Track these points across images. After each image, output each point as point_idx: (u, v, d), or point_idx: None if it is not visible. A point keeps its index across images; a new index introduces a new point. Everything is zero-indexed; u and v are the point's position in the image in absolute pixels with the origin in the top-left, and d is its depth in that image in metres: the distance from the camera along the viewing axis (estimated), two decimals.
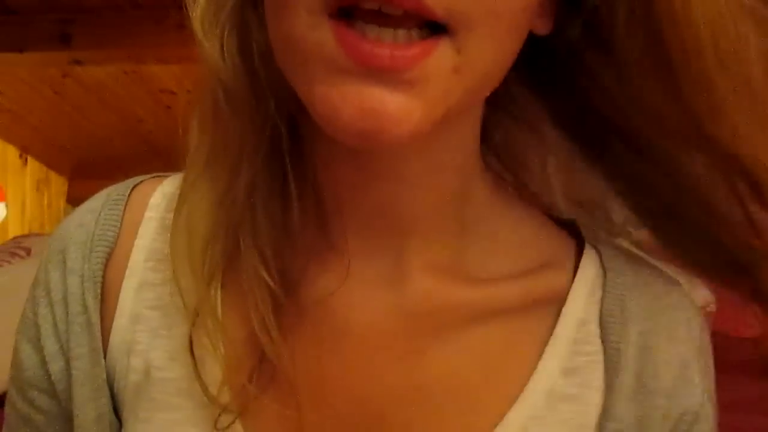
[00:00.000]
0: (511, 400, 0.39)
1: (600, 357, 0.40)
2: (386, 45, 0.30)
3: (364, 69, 0.30)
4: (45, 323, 0.44)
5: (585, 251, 0.43)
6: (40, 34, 2.40)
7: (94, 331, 0.43)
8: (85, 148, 3.60)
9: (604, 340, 0.40)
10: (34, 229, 3.54)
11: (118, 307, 0.43)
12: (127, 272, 0.44)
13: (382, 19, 0.30)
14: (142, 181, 0.47)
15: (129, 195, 0.46)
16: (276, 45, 0.34)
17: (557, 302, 0.41)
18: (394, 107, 0.30)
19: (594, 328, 0.40)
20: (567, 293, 0.41)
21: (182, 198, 0.41)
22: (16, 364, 0.45)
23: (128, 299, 0.43)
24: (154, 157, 3.11)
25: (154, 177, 0.48)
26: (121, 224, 0.45)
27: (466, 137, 0.40)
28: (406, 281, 0.41)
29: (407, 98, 0.30)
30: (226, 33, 0.38)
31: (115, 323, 0.43)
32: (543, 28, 0.37)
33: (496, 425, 0.39)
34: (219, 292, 0.41)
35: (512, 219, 0.44)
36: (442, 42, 0.30)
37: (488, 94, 0.36)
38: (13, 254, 1.67)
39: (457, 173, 0.41)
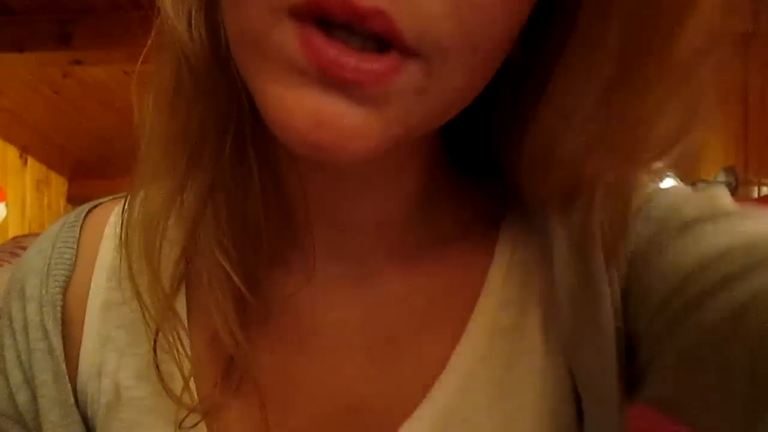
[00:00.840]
0: (454, 343, 0.39)
1: (535, 279, 0.40)
2: (353, 53, 0.27)
3: (325, 77, 0.28)
4: (8, 354, 0.43)
5: (510, 205, 0.42)
6: (40, 34, 2.40)
7: (56, 355, 0.41)
8: (85, 148, 3.60)
9: (541, 247, 0.40)
10: (34, 229, 3.55)
11: (84, 330, 0.42)
12: (90, 293, 0.42)
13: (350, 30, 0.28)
14: (100, 203, 0.46)
15: (85, 217, 0.45)
16: (231, 35, 0.32)
17: (493, 230, 0.41)
18: (351, 122, 0.28)
19: (529, 257, 0.40)
20: (497, 235, 0.41)
21: (135, 189, 0.39)
22: None
23: (94, 321, 0.42)
24: None
25: (112, 198, 0.47)
26: (78, 246, 0.44)
27: (431, 138, 0.39)
28: (368, 273, 0.41)
29: (366, 115, 0.28)
30: (194, 10, 0.35)
31: (83, 347, 0.42)
32: (516, 52, 0.34)
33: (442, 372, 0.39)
34: (183, 296, 0.40)
35: (459, 185, 0.43)
36: (410, 64, 0.28)
37: (454, 115, 0.33)
38: (13, 254, 1.67)
39: (422, 168, 0.40)
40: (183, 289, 0.40)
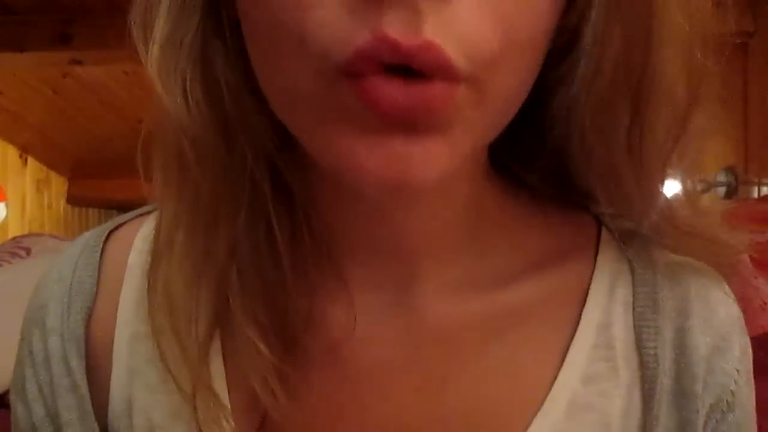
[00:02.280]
0: (533, 413, 0.37)
1: (623, 364, 0.38)
2: (403, 89, 0.27)
3: (386, 119, 0.28)
4: (30, 386, 0.41)
5: (602, 242, 0.41)
6: (40, 34, 2.40)
7: (81, 394, 0.40)
8: (85, 148, 3.60)
9: (639, 346, 0.38)
10: (34, 229, 3.54)
11: (114, 363, 0.40)
12: (118, 324, 0.40)
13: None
14: (121, 225, 0.44)
15: (105, 239, 0.43)
16: (276, 98, 0.31)
17: (576, 302, 0.39)
18: (421, 153, 0.28)
19: (617, 332, 0.38)
20: (587, 292, 0.39)
21: (155, 265, 0.38)
22: (13, 420, 0.42)
23: (123, 354, 0.40)
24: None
25: (134, 218, 0.44)
26: (99, 274, 0.41)
27: (478, 157, 0.38)
28: (416, 308, 0.38)
29: (433, 141, 0.28)
30: (188, 77, 0.34)
31: (113, 382, 0.40)
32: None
33: None
34: (218, 361, 0.38)
35: (525, 214, 0.41)
36: (461, 86, 0.28)
37: (511, 118, 0.33)
38: (13, 254, 1.67)
39: (469, 191, 0.38)
40: (218, 342, 0.38)
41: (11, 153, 3.49)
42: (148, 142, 0.36)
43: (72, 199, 3.98)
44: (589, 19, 0.32)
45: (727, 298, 0.40)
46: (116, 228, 0.44)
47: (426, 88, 0.27)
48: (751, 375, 0.40)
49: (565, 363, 0.38)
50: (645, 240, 0.40)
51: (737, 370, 0.39)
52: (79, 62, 2.50)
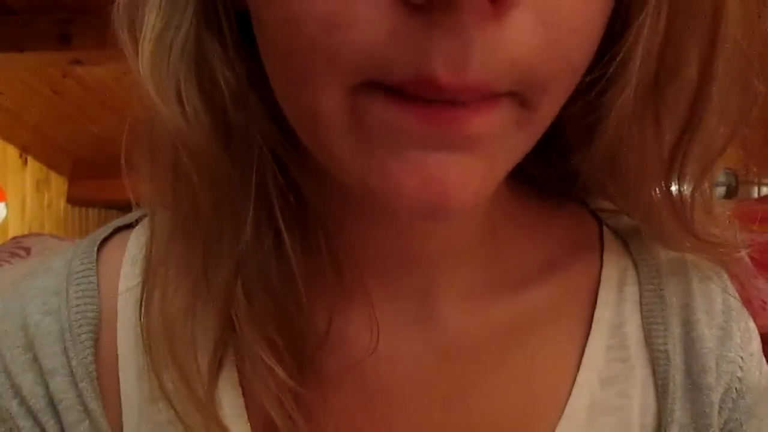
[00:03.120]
0: (555, 419, 0.37)
1: (637, 362, 0.38)
2: (448, 110, 0.25)
3: (423, 127, 0.25)
4: None
5: (606, 241, 0.41)
6: (40, 34, 2.40)
7: None
8: (85, 148, 3.60)
9: (649, 344, 0.38)
10: (34, 229, 3.54)
11: (123, 402, 0.36)
12: (121, 360, 0.37)
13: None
14: (104, 241, 0.39)
15: (97, 263, 0.38)
16: (296, 114, 0.29)
17: (587, 302, 0.39)
18: (457, 171, 0.26)
19: (629, 331, 0.38)
20: (596, 292, 0.39)
21: (149, 288, 0.34)
22: None
23: (132, 392, 0.36)
24: None
25: (115, 232, 0.40)
26: (99, 300, 0.37)
27: None
28: (437, 319, 0.37)
29: (470, 158, 0.26)
30: (183, 80, 0.30)
31: (125, 422, 0.36)
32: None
33: None
34: (234, 391, 0.36)
35: (533, 214, 0.41)
36: (505, 96, 0.26)
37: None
38: (13, 254, 1.66)
39: (489, 206, 0.37)
40: (232, 365, 0.35)
41: (11, 153, 3.48)
42: (133, 141, 0.33)
43: (72, 199, 3.97)
44: (641, 31, 0.30)
45: (724, 288, 0.40)
46: (101, 247, 0.39)
47: (468, 111, 0.25)
48: (760, 355, 0.41)
49: (582, 366, 0.38)
50: (645, 236, 0.40)
51: (741, 357, 0.39)
52: (79, 62, 2.50)
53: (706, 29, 0.30)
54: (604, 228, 0.41)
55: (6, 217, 3.34)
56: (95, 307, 0.37)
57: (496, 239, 0.38)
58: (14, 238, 1.90)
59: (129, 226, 0.40)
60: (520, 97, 0.26)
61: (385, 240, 0.36)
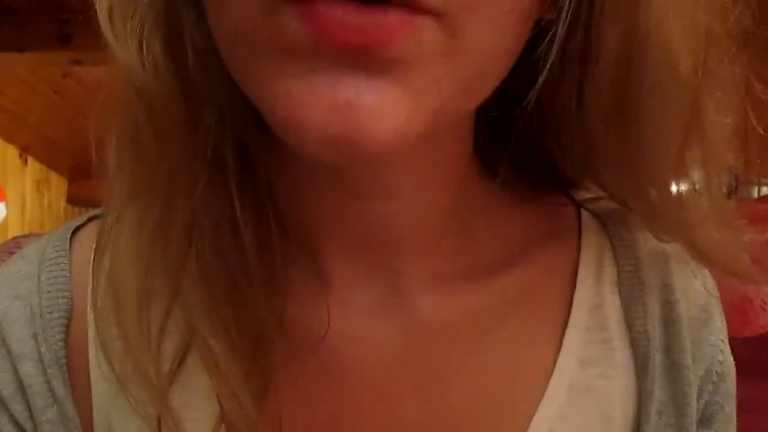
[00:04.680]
0: (536, 401, 0.36)
1: (616, 344, 0.38)
2: (353, 12, 0.23)
3: (335, 48, 0.23)
4: (1, 425, 0.35)
5: (583, 224, 0.40)
6: (40, 34, 2.40)
7: (73, 425, 0.35)
8: (85, 148, 3.59)
9: (629, 325, 0.38)
10: (34, 229, 3.54)
11: (93, 387, 0.36)
12: (90, 347, 0.36)
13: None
14: (77, 228, 0.39)
15: (70, 250, 0.37)
16: (222, 40, 0.27)
17: (566, 285, 0.39)
18: (373, 99, 0.23)
19: (609, 312, 0.38)
20: (575, 274, 0.39)
21: (101, 243, 0.33)
22: None
23: (100, 379, 0.36)
24: None
25: (89, 220, 0.39)
26: (71, 287, 0.37)
27: (464, 135, 0.35)
28: (408, 302, 0.36)
29: (389, 86, 0.24)
30: (147, 27, 0.29)
31: (94, 408, 0.36)
32: (549, 12, 0.29)
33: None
34: (199, 374, 0.34)
35: (508, 203, 0.40)
36: (427, 18, 0.24)
37: (488, 94, 0.29)
38: (13, 254, 1.66)
39: (456, 177, 0.36)
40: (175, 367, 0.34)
41: (11, 153, 3.48)
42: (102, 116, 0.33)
43: (72, 199, 3.97)
44: None
45: (702, 271, 0.41)
46: (74, 233, 0.39)
47: (384, 14, 0.23)
48: (725, 339, 0.41)
49: (562, 348, 0.37)
50: (623, 219, 0.40)
51: (721, 340, 0.40)
52: (79, 62, 2.50)
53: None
54: (582, 211, 0.41)
55: (6, 217, 3.34)
56: (67, 293, 0.36)
57: (466, 226, 0.37)
58: (14, 238, 1.90)
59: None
60: (444, 19, 0.24)
61: (345, 216, 0.34)
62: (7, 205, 3.35)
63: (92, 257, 0.37)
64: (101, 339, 0.33)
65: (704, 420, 0.39)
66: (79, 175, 3.90)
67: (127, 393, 0.33)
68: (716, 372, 0.39)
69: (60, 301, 0.36)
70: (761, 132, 0.36)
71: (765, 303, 1.20)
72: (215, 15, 0.27)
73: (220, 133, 0.31)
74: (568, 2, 0.28)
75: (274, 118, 0.25)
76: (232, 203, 0.32)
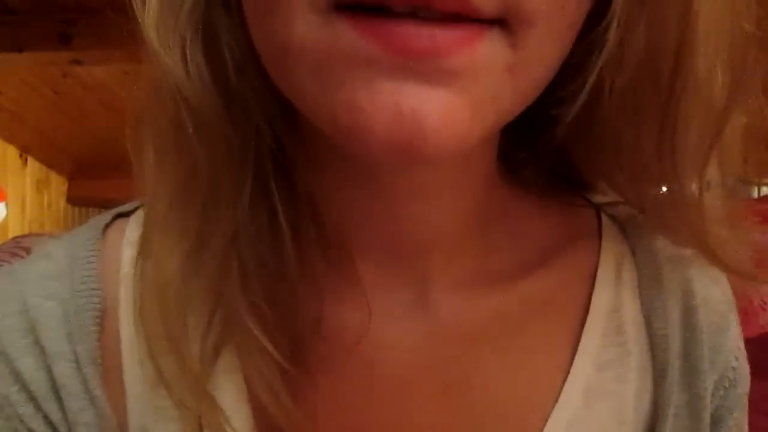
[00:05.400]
0: (552, 403, 0.37)
1: (633, 347, 0.38)
2: (424, 25, 0.23)
3: (396, 58, 0.23)
4: (35, 425, 0.35)
5: (604, 228, 0.41)
6: (40, 34, 2.40)
7: (108, 427, 0.35)
8: (85, 148, 3.60)
9: (648, 329, 0.38)
10: (34, 229, 3.55)
11: (127, 389, 0.36)
12: (124, 346, 0.36)
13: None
14: (106, 226, 0.39)
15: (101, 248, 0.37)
16: (270, 54, 0.27)
17: (585, 288, 0.39)
18: (436, 108, 0.24)
19: (627, 315, 0.38)
20: (594, 278, 0.39)
21: (144, 249, 0.34)
22: None
23: (135, 378, 0.36)
24: None
25: (116, 217, 0.39)
26: (103, 286, 0.37)
27: (495, 139, 0.35)
28: (434, 306, 0.37)
29: (452, 96, 0.24)
30: (188, 40, 0.30)
31: (129, 409, 0.36)
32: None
33: None
34: (236, 374, 0.35)
35: (529, 206, 0.40)
36: (494, 32, 0.24)
37: (536, 96, 0.29)
38: (13, 254, 1.66)
39: (483, 180, 0.36)
40: (234, 347, 0.34)
41: (11, 153, 3.49)
42: (137, 129, 0.33)
43: (72, 199, 3.97)
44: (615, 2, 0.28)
45: (722, 278, 0.41)
46: (104, 230, 0.39)
47: (448, 29, 0.23)
48: (743, 348, 0.42)
49: (578, 350, 0.38)
50: (642, 225, 0.40)
51: (737, 347, 0.40)
52: (79, 62, 2.50)
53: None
54: (602, 215, 0.41)
55: (6, 217, 3.34)
56: (100, 292, 0.36)
57: (488, 229, 0.38)
58: (14, 238, 1.90)
59: (129, 214, 0.40)
60: (507, 30, 0.24)
61: (378, 221, 0.35)
62: (7, 205, 3.35)
63: (122, 255, 0.37)
64: (147, 340, 0.33)
65: (712, 424, 0.40)
66: (79, 175, 3.90)
67: (171, 393, 0.33)
68: (728, 378, 0.39)
69: (94, 300, 0.36)
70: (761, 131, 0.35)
71: (765, 303, 1.20)
72: (262, 30, 0.27)
73: (260, 139, 0.31)
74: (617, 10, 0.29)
75: (335, 127, 0.25)
76: (274, 208, 0.33)
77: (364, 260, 0.36)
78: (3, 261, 1.63)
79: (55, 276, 0.37)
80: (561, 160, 0.39)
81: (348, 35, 0.24)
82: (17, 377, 0.35)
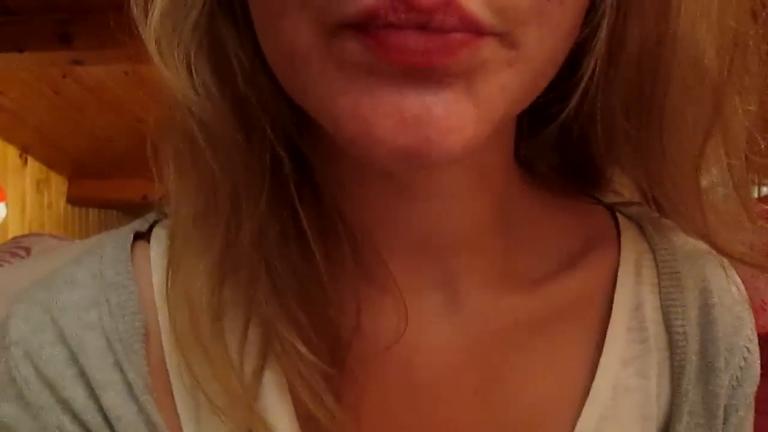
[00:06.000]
0: (581, 401, 0.37)
1: (654, 344, 0.38)
2: (422, 34, 0.23)
3: (398, 66, 0.23)
4: None
5: (621, 227, 0.41)
6: (40, 34, 2.40)
7: None
8: (85, 148, 3.60)
9: (667, 325, 0.39)
10: (34, 229, 3.54)
11: (180, 413, 0.35)
12: (171, 372, 0.35)
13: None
14: (132, 245, 0.38)
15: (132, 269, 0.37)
16: (278, 60, 0.28)
17: (607, 286, 0.39)
18: (441, 111, 0.24)
19: (647, 313, 0.39)
20: (615, 276, 0.39)
21: (173, 268, 0.34)
22: None
23: (186, 400, 0.35)
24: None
25: (136, 237, 0.38)
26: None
27: (510, 134, 0.35)
28: (463, 306, 0.37)
29: (457, 97, 0.24)
30: (193, 53, 0.30)
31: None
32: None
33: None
34: (280, 383, 0.34)
35: (548, 205, 0.40)
36: (489, 37, 0.24)
37: (540, 92, 0.29)
38: (13, 254, 1.66)
39: (502, 174, 0.36)
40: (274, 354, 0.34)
41: (11, 153, 3.48)
42: (157, 138, 0.33)
43: (72, 199, 3.97)
44: None
45: (735, 276, 0.41)
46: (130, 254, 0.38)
47: (442, 38, 0.23)
48: (757, 349, 0.42)
49: (604, 347, 0.38)
50: (659, 223, 0.41)
51: (746, 348, 0.40)
52: (79, 62, 2.50)
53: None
54: (618, 215, 0.42)
55: (6, 217, 3.34)
56: (141, 316, 0.35)
57: (511, 227, 0.38)
58: (14, 238, 1.90)
59: (147, 232, 0.39)
60: (505, 38, 0.25)
61: (400, 220, 0.35)
62: (7, 205, 3.35)
63: (153, 279, 0.37)
64: (188, 364, 0.33)
65: None
66: (79, 175, 3.90)
67: (217, 412, 0.32)
68: (737, 377, 0.40)
69: (136, 324, 0.35)
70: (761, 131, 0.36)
71: (765, 303, 1.20)
72: (269, 37, 0.27)
73: (276, 146, 0.32)
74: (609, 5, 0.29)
75: (339, 134, 0.25)
76: (295, 212, 0.33)
77: (392, 260, 0.35)
78: (3, 261, 1.62)
79: (91, 305, 0.36)
80: (571, 154, 0.40)
81: (351, 46, 0.24)
82: (67, 407, 0.34)
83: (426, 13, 0.23)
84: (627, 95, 0.32)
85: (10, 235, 2.90)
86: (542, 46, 0.26)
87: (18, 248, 1.73)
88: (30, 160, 3.62)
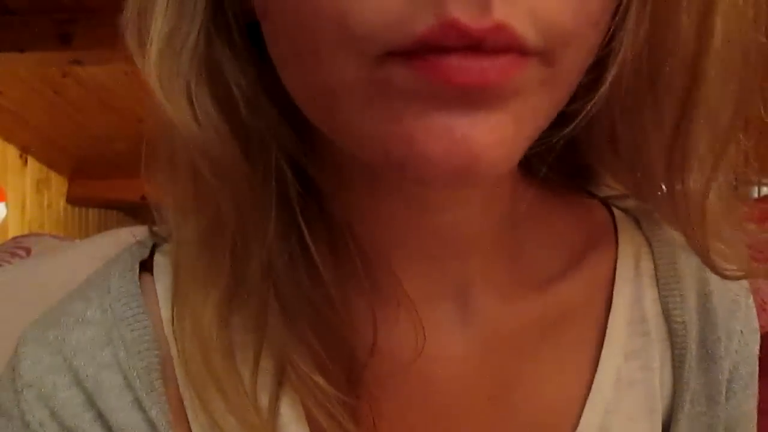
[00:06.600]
0: (584, 395, 0.38)
1: (655, 336, 0.39)
2: (470, 57, 0.24)
3: (450, 92, 0.24)
4: None
5: (618, 221, 0.41)
6: (40, 34, 2.40)
7: None
8: (85, 148, 3.60)
9: (667, 316, 0.39)
10: (34, 229, 3.55)
11: None
12: (186, 401, 0.35)
13: None
14: (136, 264, 0.38)
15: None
16: (310, 97, 0.28)
17: (607, 281, 0.40)
18: (484, 131, 0.25)
19: (647, 305, 0.39)
20: (614, 270, 0.40)
21: (180, 306, 0.33)
22: None
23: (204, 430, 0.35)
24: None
25: (141, 266, 0.38)
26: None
27: None
28: (476, 314, 0.37)
29: (498, 118, 0.25)
30: (193, 84, 0.30)
31: None
32: None
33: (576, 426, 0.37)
34: (295, 406, 0.34)
35: (549, 204, 0.41)
36: (533, 56, 0.25)
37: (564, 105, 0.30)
38: (13, 254, 1.66)
39: (512, 182, 0.37)
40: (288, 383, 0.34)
41: (11, 153, 3.48)
42: (150, 147, 0.32)
43: (72, 199, 3.97)
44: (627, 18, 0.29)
45: None
46: (141, 268, 0.38)
47: (495, 60, 0.24)
48: (756, 328, 0.42)
49: (605, 342, 0.38)
50: (653, 216, 0.41)
51: (741, 331, 0.40)
52: (79, 62, 2.50)
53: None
54: (614, 210, 0.42)
55: (6, 217, 3.34)
56: (156, 351, 0.35)
57: (518, 230, 0.38)
58: (14, 238, 1.90)
59: (149, 259, 0.38)
60: (544, 57, 0.25)
61: (412, 234, 0.35)
62: (7, 205, 3.35)
63: (162, 311, 0.36)
64: (202, 401, 0.33)
65: None
66: (79, 175, 3.90)
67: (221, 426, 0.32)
68: (735, 362, 0.40)
69: (153, 360, 0.35)
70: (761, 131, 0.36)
71: (765, 303, 1.20)
72: (300, 76, 0.27)
73: (282, 172, 0.32)
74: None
75: (388, 159, 0.26)
76: (302, 236, 0.33)
77: (404, 274, 0.35)
78: (3, 261, 1.62)
79: (105, 343, 0.35)
80: (568, 154, 0.39)
81: (402, 73, 0.24)
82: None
83: (477, 39, 0.23)
84: (630, 103, 0.32)
85: (10, 235, 2.90)
86: (574, 65, 0.27)
87: (18, 248, 1.72)
88: (30, 160, 3.62)
